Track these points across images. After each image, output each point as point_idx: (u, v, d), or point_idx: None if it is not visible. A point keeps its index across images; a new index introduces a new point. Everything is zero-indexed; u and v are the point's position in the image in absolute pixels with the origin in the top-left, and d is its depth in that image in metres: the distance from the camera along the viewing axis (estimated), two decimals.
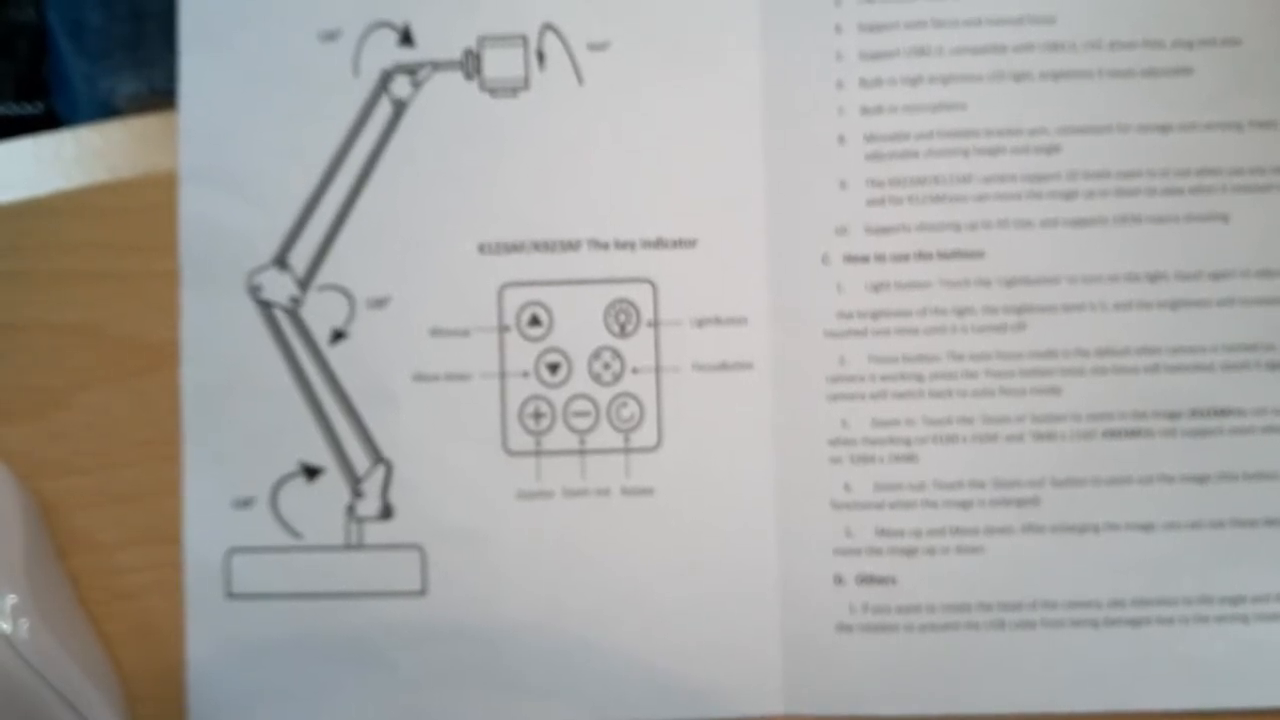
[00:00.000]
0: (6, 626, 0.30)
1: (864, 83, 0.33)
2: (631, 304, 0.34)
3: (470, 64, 0.34)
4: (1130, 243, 0.33)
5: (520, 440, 0.34)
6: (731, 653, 0.33)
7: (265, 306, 0.34)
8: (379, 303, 0.34)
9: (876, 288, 0.33)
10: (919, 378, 0.33)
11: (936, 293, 0.33)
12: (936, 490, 0.33)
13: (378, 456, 0.34)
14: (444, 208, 0.34)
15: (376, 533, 0.34)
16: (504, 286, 0.34)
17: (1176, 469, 0.33)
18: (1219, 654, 0.33)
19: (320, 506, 0.34)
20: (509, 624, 0.33)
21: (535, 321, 0.34)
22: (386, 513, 0.34)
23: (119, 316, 0.34)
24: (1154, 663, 0.33)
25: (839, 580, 0.33)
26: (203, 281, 0.34)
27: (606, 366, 0.34)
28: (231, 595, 0.34)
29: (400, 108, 0.34)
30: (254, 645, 0.33)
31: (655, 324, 0.33)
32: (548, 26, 0.34)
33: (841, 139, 0.33)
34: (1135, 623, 0.33)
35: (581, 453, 0.33)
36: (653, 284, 0.34)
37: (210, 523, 0.34)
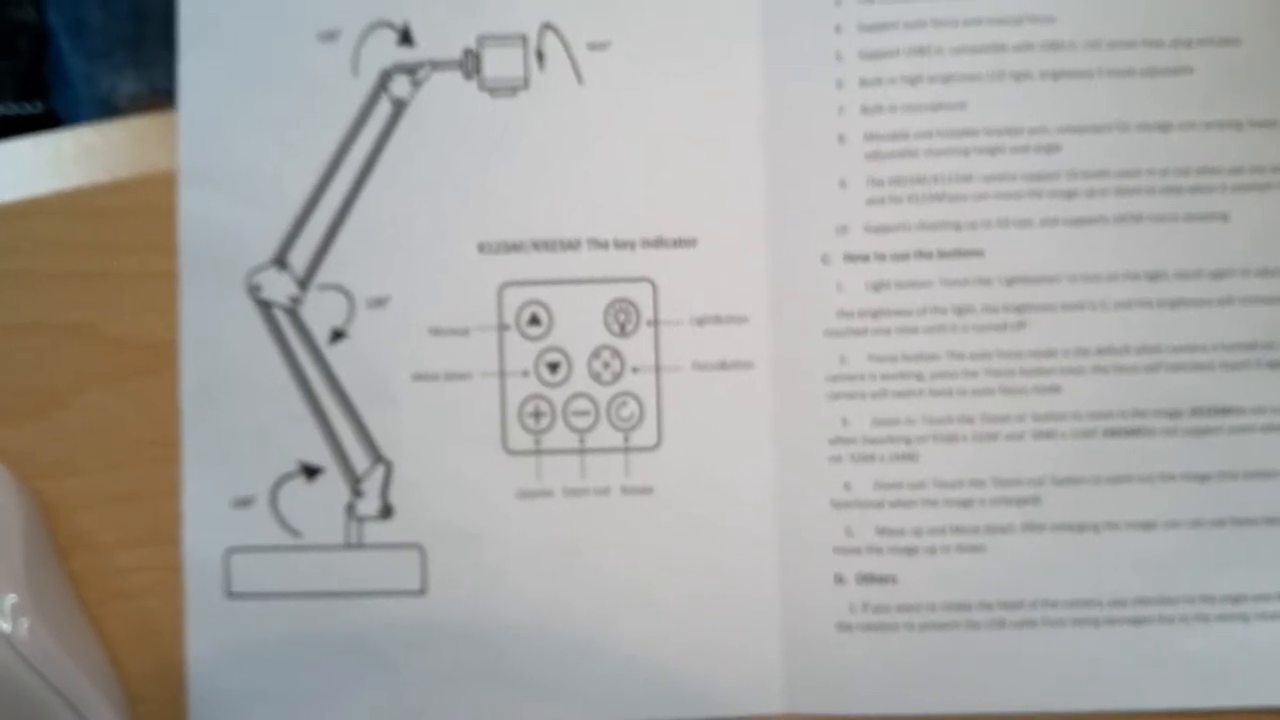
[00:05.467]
0: (6, 626, 0.30)
1: (864, 82, 0.33)
2: (631, 303, 0.33)
3: (470, 63, 0.34)
4: (1130, 242, 0.33)
5: (520, 439, 0.34)
6: (731, 652, 0.33)
7: (265, 306, 0.34)
8: (378, 302, 0.34)
9: (876, 287, 0.33)
10: (919, 377, 0.33)
11: (936, 292, 0.33)
12: (937, 489, 0.33)
13: (377, 456, 0.34)
14: (443, 207, 0.34)
15: (376, 532, 0.33)
16: (504, 286, 0.34)
17: (1177, 468, 0.33)
18: (1219, 653, 0.33)
19: (320, 506, 0.33)
20: (509, 623, 0.33)
21: (535, 321, 0.34)
22: (386, 512, 0.34)
23: (118, 317, 0.34)
24: (1154, 662, 0.33)
25: (839, 579, 0.33)
26: (202, 281, 0.34)
27: (606, 366, 0.34)
28: (231, 595, 0.34)
29: (400, 107, 0.34)
30: (254, 645, 0.33)
31: (655, 323, 0.33)
32: (547, 26, 0.34)
33: (841, 138, 0.33)
34: (1136, 622, 0.33)
35: (581, 452, 0.33)
36: (652, 283, 0.33)
37: (210, 522, 0.34)
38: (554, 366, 0.34)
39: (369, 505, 0.34)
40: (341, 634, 0.33)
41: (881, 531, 0.33)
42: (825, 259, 0.33)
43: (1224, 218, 0.33)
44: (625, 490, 0.33)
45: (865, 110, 0.33)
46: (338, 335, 0.34)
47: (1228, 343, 0.33)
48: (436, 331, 0.34)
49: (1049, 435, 0.33)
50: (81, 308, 0.34)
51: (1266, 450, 0.33)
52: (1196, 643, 0.33)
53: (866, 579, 0.33)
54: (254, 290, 0.34)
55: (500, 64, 0.34)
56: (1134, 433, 0.33)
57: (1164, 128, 0.33)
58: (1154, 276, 0.33)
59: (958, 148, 0.33)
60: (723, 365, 0.33)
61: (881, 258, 0.33)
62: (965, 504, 0.33)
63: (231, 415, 0.34)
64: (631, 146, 0.34)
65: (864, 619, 0.33)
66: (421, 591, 0.33)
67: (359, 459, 0.34)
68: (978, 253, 0.33)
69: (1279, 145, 0.33)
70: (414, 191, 0.34)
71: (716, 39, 0.34)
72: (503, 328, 0.34)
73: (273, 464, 0.34)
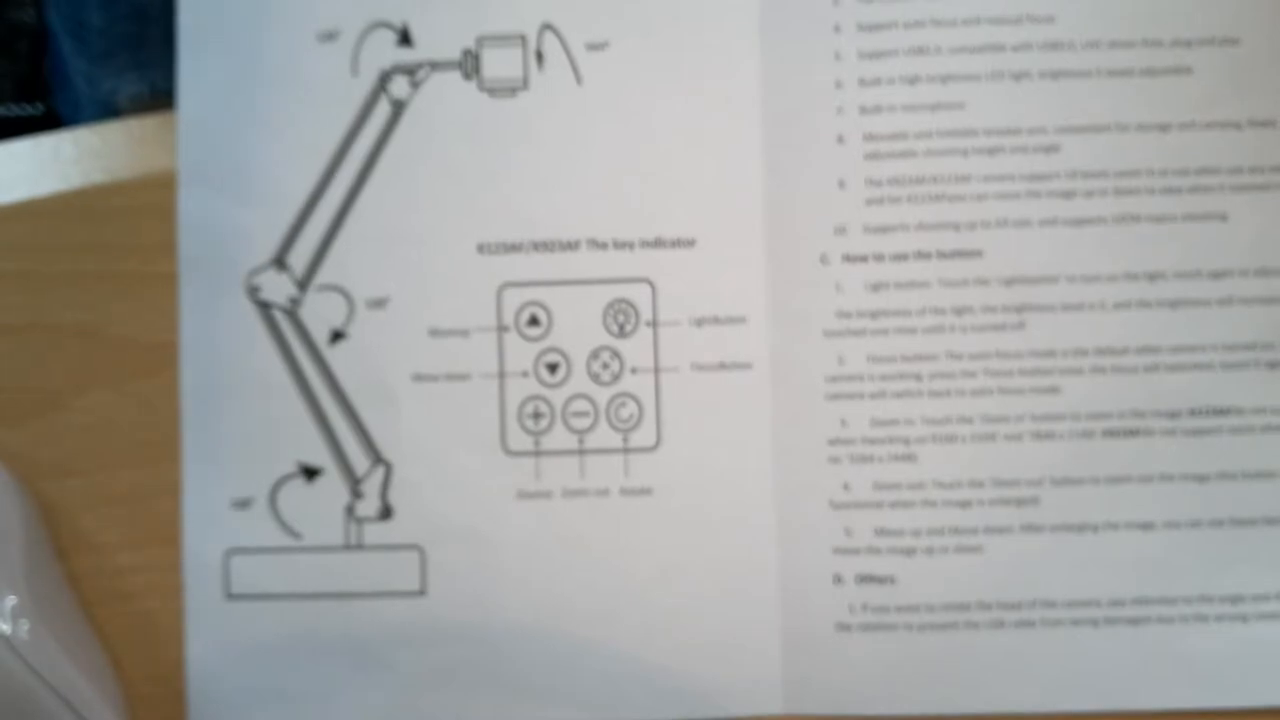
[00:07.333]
0: (6, 628, 0.30)
1: (863, 82, 0.33)
2: (630, 304, 0.34)
3: (469, 64, 0.34)
4: (1129, 242, 0.33)
5: (519, 440, 0.34)
6: (731, 652, 0.33)
7: (264, 307, 0.34)
8: (378, 303, 0.34)
9: (875, 287, 0.33)
10: (918, 377, 0.33)
11: (935, 292, 0.33)
12: (935, 490, 0.33)
13: (377, 457, 0.34)
14: (443, 208, 0.34)
15: (376, 533, 0.34)
16: (503, 286, 0.34)
17: (1176, 468, 0.33)
18: (1218, 653, 0.33)
19: (319, 507, 0.34)
20: (509, 624, 0.33)
21: (534, 321, 0.34)
22: (386, 513, 0.34)
23: (118, 317, 0.34)
24: (1153, 662, 0.33)
25: (838, 580, 0.33)
26: (202, 282, 0.34)
27: (605, 366, 0.34)
28: (231, 596, 0.34)
29: (399, 108, 0.34)
30: (253, 646, 0.33)
31: (654, 324, 0.33)
32: (546, 26, 0.34)
33: (840, 138, 0.33)
34: (1135, 622, 0.33)
35: (581, 453, 0.33)
36: (651, 284, 0.34)
37: (209, 523, 0.34)
38: (553, 367, 0.34)
39: (368, 506, 0.34)
40: (341, 635, 0.33)
41: (880, 532, 0.33)
42: (824, 259, 0.33)
43: (1223, 218, 0.33)
44: (624, 491, 0.33)
45: (864, 110, 0.33)
46: (337, 336, 0.34)
47: (1227, 343, 0.33)
48: (436, 332, 0.34)
49: (1048, 436, 0.33)
50: (82, 308, 0.34)
51: (1266, 450, 0.33)
52: (1195, 643, 0.33)
53: (865, 579, 0.33)
54: (253, 291, 0.34)
55: (499, 64, 0.34)
56: (1133, 433, 0.33)
57: (1163, 128, 0.33)
58: (1153, 277, 0.33)
59: (956, 148, 0.33)
60: (721, 366, 0.33)
61: (880, 258, 0.33)
62: (964, 504, 0.33)
63: (231, 416, 0.34)
64: (630, 147, 0.34)
65: (863, 619, 0.33)
66: (421, 592, 0.33)
67: (358, 460, 0.34)
68: (976, 253, 0.33)
69: (1278, 145, 0.33)
70: (413, 192, 0.34)
71: (715, 39, 0.34)
72: (502, 328, 0.34)
73: (272, 465, 0.34)
